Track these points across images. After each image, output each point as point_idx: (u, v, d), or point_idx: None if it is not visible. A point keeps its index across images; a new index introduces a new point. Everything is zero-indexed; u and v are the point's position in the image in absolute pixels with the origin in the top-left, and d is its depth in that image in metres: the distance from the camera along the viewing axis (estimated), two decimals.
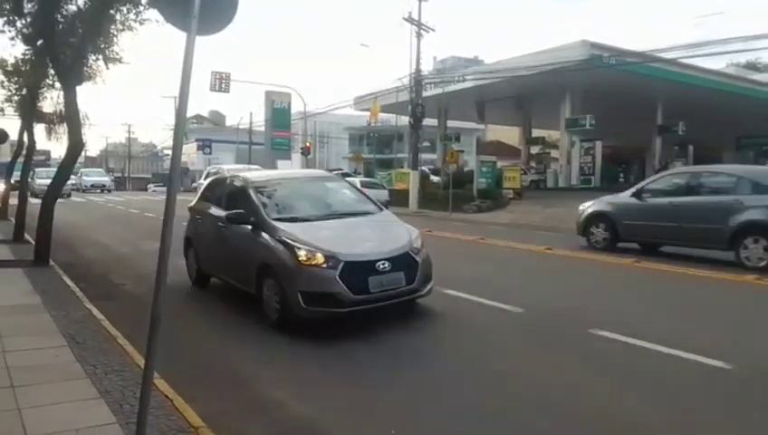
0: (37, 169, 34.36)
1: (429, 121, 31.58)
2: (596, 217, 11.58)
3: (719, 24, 57.11)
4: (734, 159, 38.36)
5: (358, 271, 5.51)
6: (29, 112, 12.14)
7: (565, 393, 4.14)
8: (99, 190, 37.75)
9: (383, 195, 22.13)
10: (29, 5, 8.96)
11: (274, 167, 35.52)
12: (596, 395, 4.14)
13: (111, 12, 8.41)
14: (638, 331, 5.43)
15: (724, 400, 4.10)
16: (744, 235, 9.29)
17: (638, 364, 4.77)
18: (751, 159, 38.41)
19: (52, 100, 12.68)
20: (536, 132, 37.49)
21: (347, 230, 6.29)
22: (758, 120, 32.86)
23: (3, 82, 12.20)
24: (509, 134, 41.52)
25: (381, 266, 5.62)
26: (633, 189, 11.46)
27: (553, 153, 37.14)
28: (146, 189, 54.38)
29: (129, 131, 71.16)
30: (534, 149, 37.82)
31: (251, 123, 48.29)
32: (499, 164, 28.39)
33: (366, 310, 5.55)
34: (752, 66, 48.41)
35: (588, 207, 11.95)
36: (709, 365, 4.60)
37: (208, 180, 9.75)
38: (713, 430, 3.64)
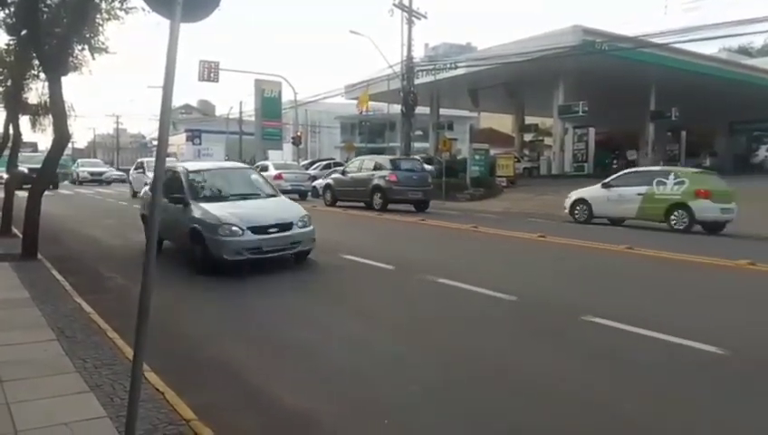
0: (81, 160, 42.77)
1: (422, 110, 31.44)
2: (326, 187, 20.07)
3: (712, 9, 57.22)
4: (726, 143, 38.56)
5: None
6: (14, 103, 11.96)
7: (558, 381, 4.15)
8: None
9: None
10: None
11: (265, 157, 35.35)
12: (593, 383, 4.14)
13: (96, 0, 8.28)
14: (629, 316, 5.44)
15: (719, 386, 4.11)
16: (373, 192, 17.81)
17: (630, 351, 4.77)
18: (743, 143, 38.61)
19: (37, 91, 12.51)
20: (529, 120, 37.46)
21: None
22: (750, 105, 32.95)
23: None
24: (502, 122, 41.47)
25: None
26: (341, 169, 20.83)
27: (547, 140, 37.19)
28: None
29: (117, 122, 70.42)
30: (528, 137, 37.83)
31: (241, 113, 47.92)
32: (492, 152, 28.34)
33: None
34: (744, 51, 48.47)
35: (323, 181, 21.06)
36: (702, 350, 4.62)
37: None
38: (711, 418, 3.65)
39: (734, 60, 36.68)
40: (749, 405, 3.77)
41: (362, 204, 18.18)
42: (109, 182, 36.49)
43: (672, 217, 13.52)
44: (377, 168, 18.28)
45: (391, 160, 18.78)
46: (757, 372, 4.32)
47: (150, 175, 18.75)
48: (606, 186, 15.06)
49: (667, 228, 13.46)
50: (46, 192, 9.52)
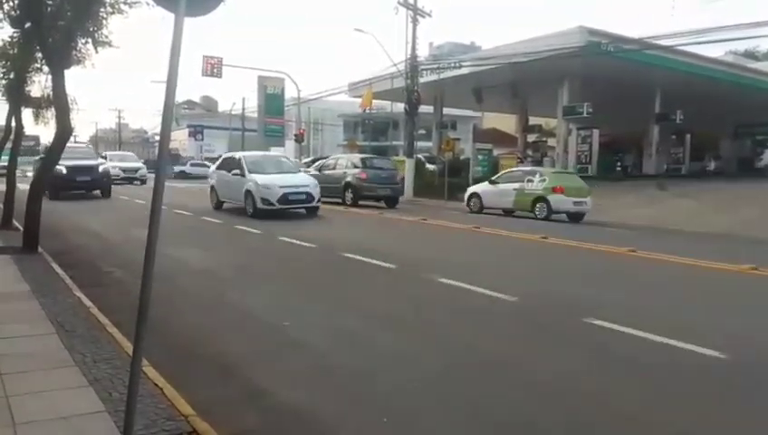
0: (109, 154, 34.23)
1: (425, 109, 31.40)
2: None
3: (723, 11, 57.21)
4: (731, 147, 38.47)
5: None
6: (17, 96, 11.93)
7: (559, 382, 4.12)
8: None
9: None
10: None
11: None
12: (592, 384, 4.12)
13: None
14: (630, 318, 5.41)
15: (716, 388, 4.09)
16: (345, 189, 18.84)
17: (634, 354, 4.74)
18: (748, 147, 38.51)
19: (40, 84, 12.45)
20: (533, 120, 37.34)
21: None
22: (756, 108, 32.85)
23: None
24: (506, 122, 41.34)
25: None
26: (316, 166, 21.88)
27: (550, 141, 37.06)
28: None
29: (120, 117, 70.53)
30: (531, 138, 37.72)
31: (243, 109, 47.94)
32: (495, 152, 28.31)
33: None
34: (750, 54, 48.34)
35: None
36: (703, 354, 4.59)
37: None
38: (708, 419, 3.62)
39: (740, 63, 36.56)
40: None
41: (338, 199, 18.94)
42: (144, 181, 29.89)
43: (536, 207, 16.50)
44: (349, 166, 19.37)
45: (362, 159, 19.86)
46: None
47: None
48: (492, 183, 18.42)
49: (533, 217, 16.47)
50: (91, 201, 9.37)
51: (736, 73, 31.10)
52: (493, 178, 18.73)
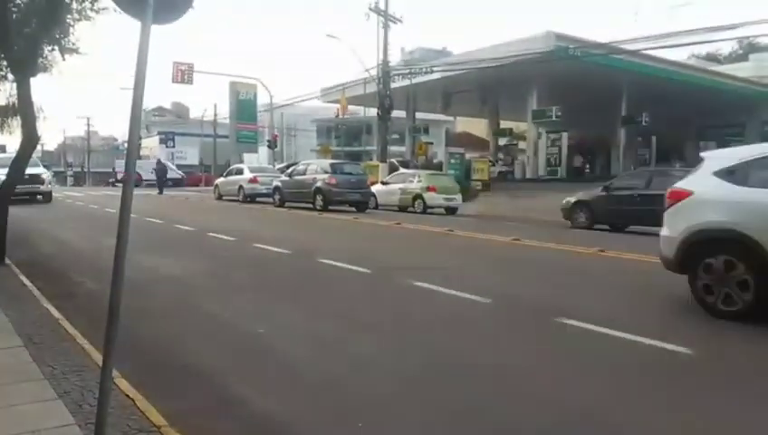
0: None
1: (398, 114, 31.60)
2: (275, 189, 20.94)
3: (689, 16, 59.47)
4: (694, 148, 39.49)
5: None
6: None
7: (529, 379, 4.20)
8: None
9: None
10: None
11: (241, 160, 35.12)
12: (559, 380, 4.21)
13: (67, 0, 8.14)
14: (601, 319, 5.54)
15: (685, 385, 4.21)
16: (315, 194, 18.98)
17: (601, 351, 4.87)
18: (712, 148, 39.61)
19: (5, 92, 12.18)
20: (504, 124, 37.86)
21: None
22: (718, 111, 33.86)
23: None
24: (477, 126, 41.86)
25: None
26: (288, 172, 21.93)
27: (521, 145, 37.64)
28: (111, 184, 51.58)
29: (88, 124, 68.93)
30: (502, 141, 38.22)
31: (215, 115, 47.53)
32: (468, 156, 28.62)
33: None
34: (713, 58, 49.81)
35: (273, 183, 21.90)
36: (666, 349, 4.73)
37: None
38: (669, 413, 3.73)
39: (703, 66, 37.66)
40: None
41: (309, 204, 19.45)
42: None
43: (415, 203, 19.62)
44: (319, 171, 19.75)
45: (331, 165, 20.35)
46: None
47: None
48: (384, 183, 21.52)
49: (416, 211, 19.61)
50: None
51: (700, 76, 32.05)
52: (384, 180, 21.75)
